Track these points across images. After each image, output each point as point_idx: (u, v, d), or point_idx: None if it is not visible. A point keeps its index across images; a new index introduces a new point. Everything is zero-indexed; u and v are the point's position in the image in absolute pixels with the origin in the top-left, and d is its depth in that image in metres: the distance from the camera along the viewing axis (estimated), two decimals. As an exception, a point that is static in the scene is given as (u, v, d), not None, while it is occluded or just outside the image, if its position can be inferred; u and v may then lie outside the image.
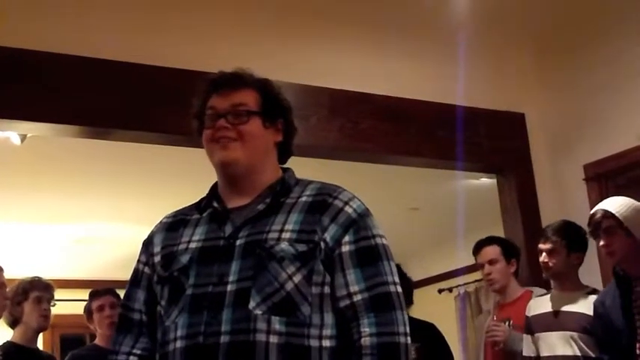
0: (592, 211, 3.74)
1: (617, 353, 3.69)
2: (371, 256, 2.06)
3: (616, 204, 3.70)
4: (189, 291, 2.04)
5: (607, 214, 3.65)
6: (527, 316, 4.23)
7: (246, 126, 2.14)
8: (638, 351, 3.56)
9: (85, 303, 4.95)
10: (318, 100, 4.57)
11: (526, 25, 4.99)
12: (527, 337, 4.20)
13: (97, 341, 4.88)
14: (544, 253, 4.18)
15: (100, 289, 4.99)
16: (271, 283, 1.98)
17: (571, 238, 4.21)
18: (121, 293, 4.74)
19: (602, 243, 3.67)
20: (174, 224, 2.22)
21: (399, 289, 2.05)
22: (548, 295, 4.23)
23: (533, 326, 4.17)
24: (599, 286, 4.45)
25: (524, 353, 4.19)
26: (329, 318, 2.01)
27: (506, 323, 4.31)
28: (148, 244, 2.24)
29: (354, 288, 2.02)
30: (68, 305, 5.14)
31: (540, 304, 4.22)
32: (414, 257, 3.89)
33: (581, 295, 4.14)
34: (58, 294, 4.69)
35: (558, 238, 4.20)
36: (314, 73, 4.58)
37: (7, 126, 4.33)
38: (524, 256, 4.84)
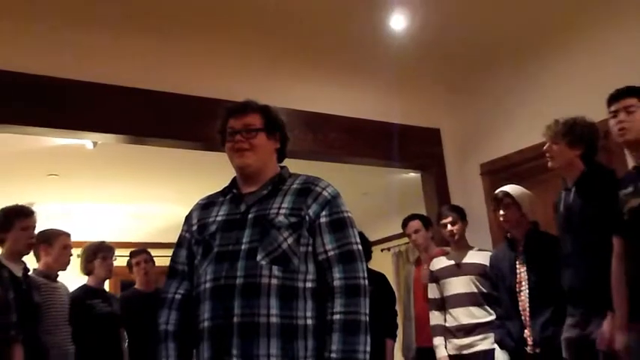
0: (496, 192, 3.78)
1: (504, 290, 3.74)
2: (340, 225, 2.09)
3: (513, 188, 3.77)
4: (215, 249, 2.07)
5: (506, 194, 3.70)
6: (431, 271, 4.24)
7: (255, 140, 2.18)
8: (517, 288, 3.61)
9: (128, 258, 5.00)
10: (298, 119, 4.57)
11: (441, 68, 5.00)
12: (432, 285, 4.22)
13: (136, 286, 4.90)
14: (449, 225, 4.22)
15: (136, 250, 5.03)
16: (272, 244, 2.02)
17: (460, 212, 4.29)
18: (154, 251, 4.81)
19: (501, 213, 3.71)
20: (207, 205, 2.25)
21: (360, 248, 2.09)
22: (444, 256, 4.28)
23: (439, 276, 4.18)
24: (489, 246, 4.53)
25: (430, 296, 4.21)
26: (311, 267, 2.04)
27: None
28: (188, 218, 2.27)
29: (328, 247, 2.05)
30: (126, 260, 5.12)
31: (440, 261, 4.25)
32: (365, 227, 3.92)
33: (473, 251, 4.21)
34: (118, 252, 4.69)
35: (455, 213, 4.27)
36: (295, 100, 4.57)
37: (82, 136, 4.32)
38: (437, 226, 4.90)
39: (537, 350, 3.44)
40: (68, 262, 4.08)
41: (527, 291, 3.55)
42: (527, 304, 3.54)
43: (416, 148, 5.28)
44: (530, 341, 3.48)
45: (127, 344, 4.50)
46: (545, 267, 3.48)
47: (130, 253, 4.95)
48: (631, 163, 2.80)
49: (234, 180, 2.24)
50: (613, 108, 2.81)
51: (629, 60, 2.87)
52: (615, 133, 2.79)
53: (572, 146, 3.08)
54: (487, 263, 3.97)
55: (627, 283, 2.71)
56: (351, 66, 4.81)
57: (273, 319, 1.94)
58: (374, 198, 6.71)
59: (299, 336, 1.96)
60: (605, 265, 2.81)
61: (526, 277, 3.58)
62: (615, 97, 2.81)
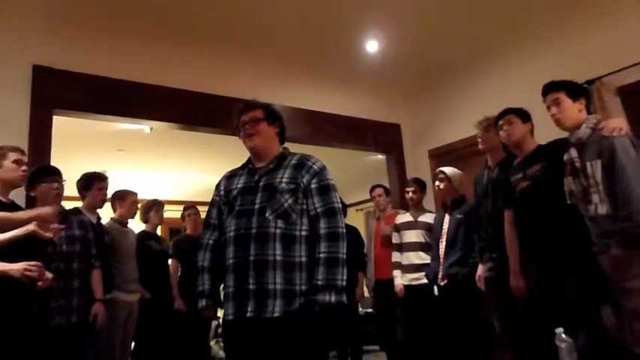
0: (435, 171, 3.80)
1: (435, 244, 3.77)
2: (326, 189, 2.08)
3: (447, 168, 3.78)
4: (237, 208, 2.07)
5: (442, 172, 3.72)
6: (395, 223, 4.26)
7: (259, 126, 2.16)
8: (440, 243, 3.67)
9: (181, 212, 4.96)
10: (298, 114, 4.56)
11: (402, 79, 5.00)
12: (395, 234, 4.24)
13: (187, 231, 4.88)
14: (410, 193, 4.24)
15: (188, 205, 5.01)
16: (277, 204, 2.02)
17: (420, 184, 4.29)
18: (198, 207, 4.81)
19: (437, 184, 3.74)
20: (231, 176, 2.23)
21: (340, 206, 2.09)
22: (408, 213, 4.29)
23: (400, 227, 4.20)
24: (433, 209, 4.54)
25: (394, 241, 4.24)
26: (305, 220, 2.04)
27: (389, 225, 4.36)
28: (218, 185, 2.25)
29: (317, 205, 2.05)
30: (173, 212, 5.12)
31: (403, 217, 4.27)
32: (344, 194, 3.93)
33: (427, 212, 4.23)
34: (168, 206, 4.70)
35: (417, 184, 4.27)
36: (297, 101, 4.56)
37: (142, 122, 4.27)
38: (398, 196, 4.90)
39: (443, 283, 3.52)
40: (135, 214, 4.11)
41: (445, 241, 3.61)
42: (444, 250, 3.59)
43: (382, 137, 5.27)
44: (440, 276, 3.55)
45: (179, 273, 4.50)
46: (459, 224, 3.53)
47: (184, 207, 4.97)
48: (518, 158, 2.88)
49: (249, 158, 2.23)
50: (500, 122, 2.90)
51: (539, 75, 2.87)
52: (504, 138, 2.89)
53: (498, 135, 3.11)
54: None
55: (519, 241, 2.77)
56: (338, 77, 4.80)
57: (278, 258, 1.95)
58: (352, 173, 6.71)
59: (296, 269, 1.97)
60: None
61: (446, 231, 3.63)
62: (501, 116, 2.90)
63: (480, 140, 3.21)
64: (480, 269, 3.19)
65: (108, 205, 3.75)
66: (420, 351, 3.91)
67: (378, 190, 4.64)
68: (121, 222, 3.90)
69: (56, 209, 2.25)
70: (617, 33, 3.67)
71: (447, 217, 3.70)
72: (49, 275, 2.24)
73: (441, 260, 3.59)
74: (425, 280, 3.89)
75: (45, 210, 2.12)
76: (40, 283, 2.23)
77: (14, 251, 2.26)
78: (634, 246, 2.18)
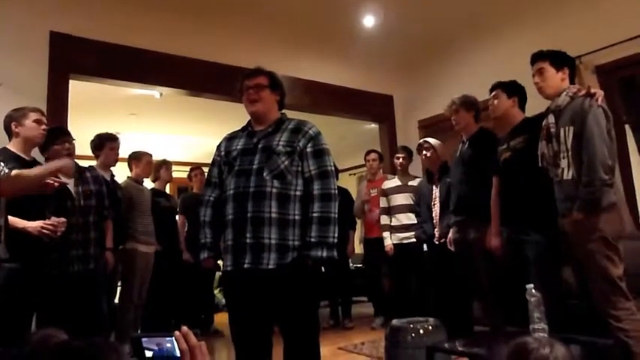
0: (420, 141, 3.76)
1: (424, 206, 3.78)
2: (320, 153, 2.05)
3: (431, 139, 3.74)
4: (236, 168, 2.04)
5: (427, 142, 3.68)
6: (383, 188, 4.27)
7: (262, 93, 2.10)
8: (432, 202, 3.66)
9: (188, 172, 4.94)
10: (298, 84, 4.51)
11: (396, 54, 4.91)
12: (382, 198, 4.24)
13: (194, 190, 4.87)
14: (400, 159, 4.23)
15: (194, 167, 4.98)
16: (274, 165, 1.99)
17: (408, 152, 4.28)
18: (203, 168, 4.75)
19: (424, 153, 3.69)
20: (231, 138, 2.19)
21: (333, 169, 2.06)
22: (396, 178, 4.28)
23: (388, 192, 4.21)
24: (420, 174, 4.52)
25: (381, 205, 4.25)
26: (300, 181, 2.02)
27: (376, 189, 4.36)
28: (219, 146, 2.21)
29: (311, 167, 2.02)
30: (180, 172, 5.10)
31: (391, 182, 4.28)
32: (339, 159, 3.90)
33: (413, 177, 4.22)
34: (176, 167, 4.66)
35: (405, 152, 4.25)
36: (298, 71, 4.50)
37: (153, 88, 4.23)
38: (389, 162, 4.87)
39: (441, 241, 3.51)
40: (150, 173, 4.11)
41: (439, 204, 3.59)
42: (438, 213, 3.59)
43: (376, 107, 5.23)
44: (437, 235, 3.56)
45: (186, 228, 4.51)
46: (448, 189, 3.51)
47: (190, 168, 4.94)
48: (505, 131, 2.84)
49: (249, 121, 2.19)
50: (490, 96, 2.84)
51: (524, 51, 2.81)
52: (490, 112, 2.84)
53: (468, 110, 3.06)
54: None
55: (500, 204, 2.76)
56: (336, 50, 4.72)
57: (274, 215, 1.94)
58: (346, 140, 6.67)
59: (290, 226, 1.96)
60: (477, 191, 2.87)
61: (438, 195, 3.62)
62: (491, 90, 2.84)
63: (454, 122, 3.16)
64: (451, 232, 3.20)
65: (120, 165, 3.72)
66: (402, 301, 3.98)
67: (373, 155, 4.63)
68: (137, 180, 3.90)
69: (72, 162, 2.26)
70: (597, 14, 3.60)
71: (434, 184, 3.68)
72: (62, 220, 2.34)
73: (436, 222, 3.58)
74: (414, 239, 3.93)
75: (64, 162, 2.10)
76: (58, 234, 2.33)
77: (37, 206, 2.31)
78: (593, 210, 2.18)
